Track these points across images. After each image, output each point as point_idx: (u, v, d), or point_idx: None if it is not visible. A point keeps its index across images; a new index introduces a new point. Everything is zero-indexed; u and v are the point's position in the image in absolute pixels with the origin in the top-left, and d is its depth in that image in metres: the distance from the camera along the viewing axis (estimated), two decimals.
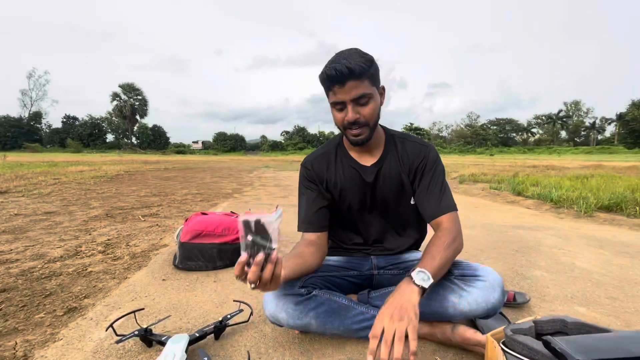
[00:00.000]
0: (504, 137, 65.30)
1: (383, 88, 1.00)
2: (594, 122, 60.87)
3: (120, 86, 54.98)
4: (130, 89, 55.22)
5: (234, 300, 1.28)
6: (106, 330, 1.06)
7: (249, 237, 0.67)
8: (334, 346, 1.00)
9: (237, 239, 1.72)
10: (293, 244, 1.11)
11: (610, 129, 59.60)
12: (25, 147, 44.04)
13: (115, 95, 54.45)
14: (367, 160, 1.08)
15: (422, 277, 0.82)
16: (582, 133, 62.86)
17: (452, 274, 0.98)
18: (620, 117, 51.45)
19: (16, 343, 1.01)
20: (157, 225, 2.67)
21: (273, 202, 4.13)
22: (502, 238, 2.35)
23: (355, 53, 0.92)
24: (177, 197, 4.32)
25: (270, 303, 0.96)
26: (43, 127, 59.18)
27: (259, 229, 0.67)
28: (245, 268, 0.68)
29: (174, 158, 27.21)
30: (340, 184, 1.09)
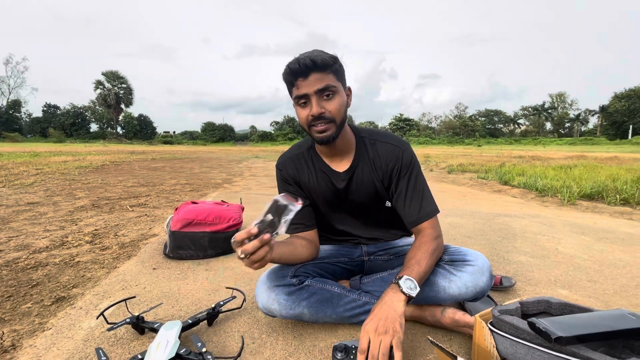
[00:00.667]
0: (491, 128, 66.21)
1: (349, 89, 0.97)
2: (579, 114, 62.22)
3: (103, 74, 53.17)
4: (114, 77, 53.44)
5: (226, 287, 1.28)
6: (97, 319, 1.05)
7: (269, 216, 0.73)
8: (326, 330, 1.01)
9: (228, 227, 1.71)
10: None
11: (593, 121, 61.12)
12: (4, 136, 42.38)
13: (98, 84, 52.69)
14: (339, 166, 1.04)
15: (410, 285, 0.83)
16: (567, 125, 64.24)
17: (442, 259, 1.00)
18: (603, 109, 52.72)
19: (3, 333, 0.99)
20: (145, 215, 2.63)
21: (264, 192, 4.12)
22: (489, 225, 2.41)
23: (318, 50, 0.90)
24: (166, 187, 4.26)
25: (263, 295, 0.96)
26: (23, 116, 56.99)
27: (280, 213, 0.73)
28: (248, 240, 0.72)
29: (161, 148, 26.71)
30: (313, 188, 1.06)
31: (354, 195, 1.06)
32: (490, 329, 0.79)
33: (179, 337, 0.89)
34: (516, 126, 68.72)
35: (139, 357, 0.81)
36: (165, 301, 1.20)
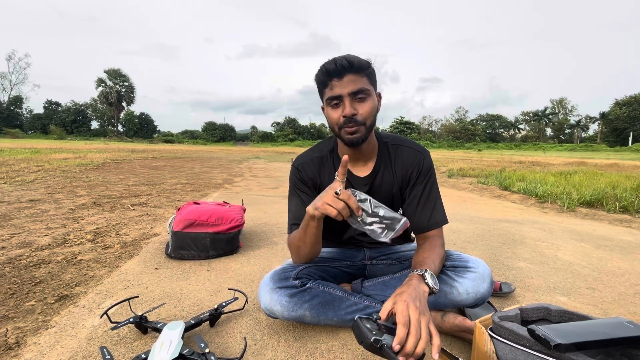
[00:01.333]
0: (492, 133, 66.34)
1: (380, 95, 0.98)
2: (579, 121, 62.34)
3: (105, 72, 53.18)
4: (116, 75, 53.47)
5: (228, 289, 1.29)
6: (100, 317, 1.06)
7: (369, 204, 0.81)
8: (327, 333, 1.02)
9: (230, 228, 1.72)
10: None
11: (593, 128, 61.24)
12: (5, 132, 42.39)
13: (100, 81, 52.70)
14: (360, 171, 1.05)
15: (435, 281, 0.82)
16: (567, 131, 64.35)
17: (444, 265, 1.01)
18: (603, 115, 52.82)
19: (7, 330, 1.00)
20: (147, 214, 2.64)
21: (265, 194, 4.13)
22: (488, 231, 2.42)
23: (353, 55, 0.91)
24: (167, 187, 4.27)
25: (265, 296, 0.97)
26: (24, 112, 56.99)
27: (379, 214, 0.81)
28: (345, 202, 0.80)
29: (161, 147, 26.72)
30: None
31: None
32: (490, 334, 0.80)
33: (182, 338, 0.90)
34: (516, 131, 68.83)
35: (143, 356, 0.82)
36: (168, 301, 1.21)
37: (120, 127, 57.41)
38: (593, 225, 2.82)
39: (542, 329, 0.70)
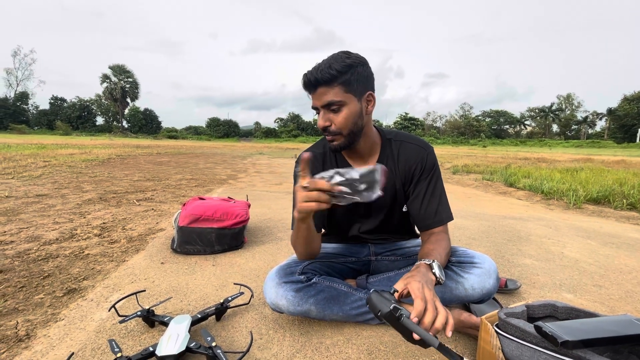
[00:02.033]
0: (497, 129, 65.77)
1: (371, 95, 0.94)
2: (586, 117, 61.56)
3: (110, 68, 53.38)
4: (120, 70, 53.64)
5: (234, 284, 1.30)
6: (109, 311, 1.07)
7: (355, 177, 0.74)
8: (332, 327, 1.03)
9: (235, 224, 1.73)
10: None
11: (601, 124, 60.46)
12: (11, 128, 42.81)
13: (105, 77, 52.88)
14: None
15: (442, 272, 0.82)
16: (573, 127, 63.62)
17: (449, 260, 1.01)
18: (610, 111, 52.11)
19: (17, 322, 1.02)
20: (152, 209, 2.66)
21: (269, 190, 4.14)
22: (494, 227, 2.41)
23: (338, 57, 0.88)
24: (172, 182, 4.29)
25: (271, 291, 0.98)
26: (30, 108, 57.50)
27: (368, 182, 0.74)
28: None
29: (166, 143, 26.83)
30: None
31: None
32: (496, 331, 0.80)
33: (189, 331, 0.91)
34: (522, 127, 68.18)
35: (150, 349, 0.83)
36: (174, 295, 1.22)
37: (124, 123, 57.74)
38: (600, 222, 2.80)
39: (549, 326, 0.70)
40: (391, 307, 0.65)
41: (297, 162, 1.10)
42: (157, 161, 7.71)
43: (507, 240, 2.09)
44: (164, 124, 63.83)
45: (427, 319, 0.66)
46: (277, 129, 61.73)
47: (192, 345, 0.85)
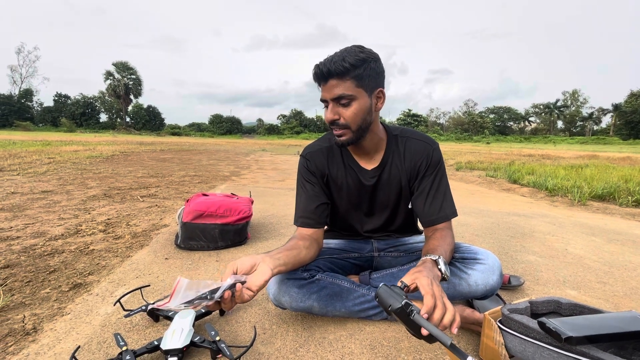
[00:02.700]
0: (501, 126, 65.29)
1: (381, 91, 0.93)
2: (592, 113, 60.89)
3: (113, 65, 53.43)
4: (124, 67, 53.70)
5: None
6: (114, 305, 1.08)
7: (203, 293, 0.71)
8: (335, 323, 1.03)
9: (239, 220, 1.74)
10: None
11: (606, 120, 59.82)
12: (16, 125, 43.12)
13: (108, 74, 52.99)
14: (368, 164, 1.05)
15: (447, 269, 0.81)
16: (579, 123, 63.00)
17: (453, 257, 1.01)
18: (616, 107, 51.50)
19: (24, 316, 1.03)
20: (156, 205, 2.68)
21: (272, 186, 4.14)
22: (497, 224, 2.40)
23: (352, 51, 0.87)
24: (175, 179, 4.31)
25: (274, 287, 0.98)
26: (34, 105, 57.81)
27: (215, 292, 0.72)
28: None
29: (169, 139, 26.90)
30: (339, 183, 1.06)
31: (379, 192, 1.07)
32: (499, 327, 0.80)
33: (193, 326, 0.91)
34: (526, 124, 67.63)
35: (155, 343, 0.84)
36: None
37: (128, 120, 57.91)
38: (604, 219, 2.78)
39: (553, 322, 0.70)
40: (402, 303, 0.65)
41: (301, 156, 1.11)
42: (161, 158, 7.75)
43: (510, 236, 2.09)
44: (167, 121, 64.05)
45: (437, 316, 0.66)
46: (279, 125, 61.70)
47: (196, 339, 0.86)
